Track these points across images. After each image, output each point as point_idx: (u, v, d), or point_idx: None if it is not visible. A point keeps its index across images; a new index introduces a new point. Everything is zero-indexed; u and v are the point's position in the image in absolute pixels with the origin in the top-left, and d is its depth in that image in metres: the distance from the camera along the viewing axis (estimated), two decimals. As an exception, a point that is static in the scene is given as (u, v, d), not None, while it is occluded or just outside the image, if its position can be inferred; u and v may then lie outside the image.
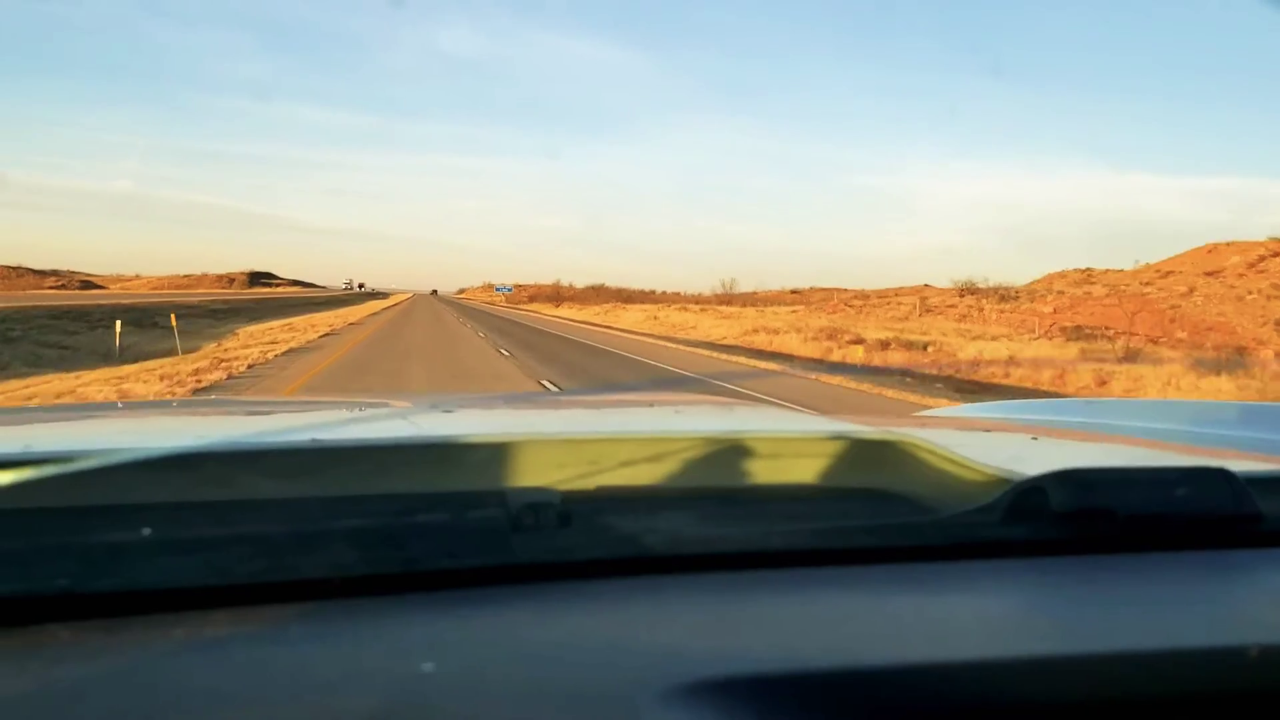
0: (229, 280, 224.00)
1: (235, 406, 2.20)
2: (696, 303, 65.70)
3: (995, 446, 1.30)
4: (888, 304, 55.93)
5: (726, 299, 69.85)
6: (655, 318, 46.68)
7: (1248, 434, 1.44)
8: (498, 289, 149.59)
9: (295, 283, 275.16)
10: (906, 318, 45.19)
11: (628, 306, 61.65)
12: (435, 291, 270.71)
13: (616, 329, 38.51)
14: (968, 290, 60.69)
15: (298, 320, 36.06)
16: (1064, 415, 1.89)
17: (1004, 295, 57.71)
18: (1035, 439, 1.39)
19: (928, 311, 49.38)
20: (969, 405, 2.48)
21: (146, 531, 0.67)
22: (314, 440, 0.87)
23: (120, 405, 3.68)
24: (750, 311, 48.82)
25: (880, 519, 0.83)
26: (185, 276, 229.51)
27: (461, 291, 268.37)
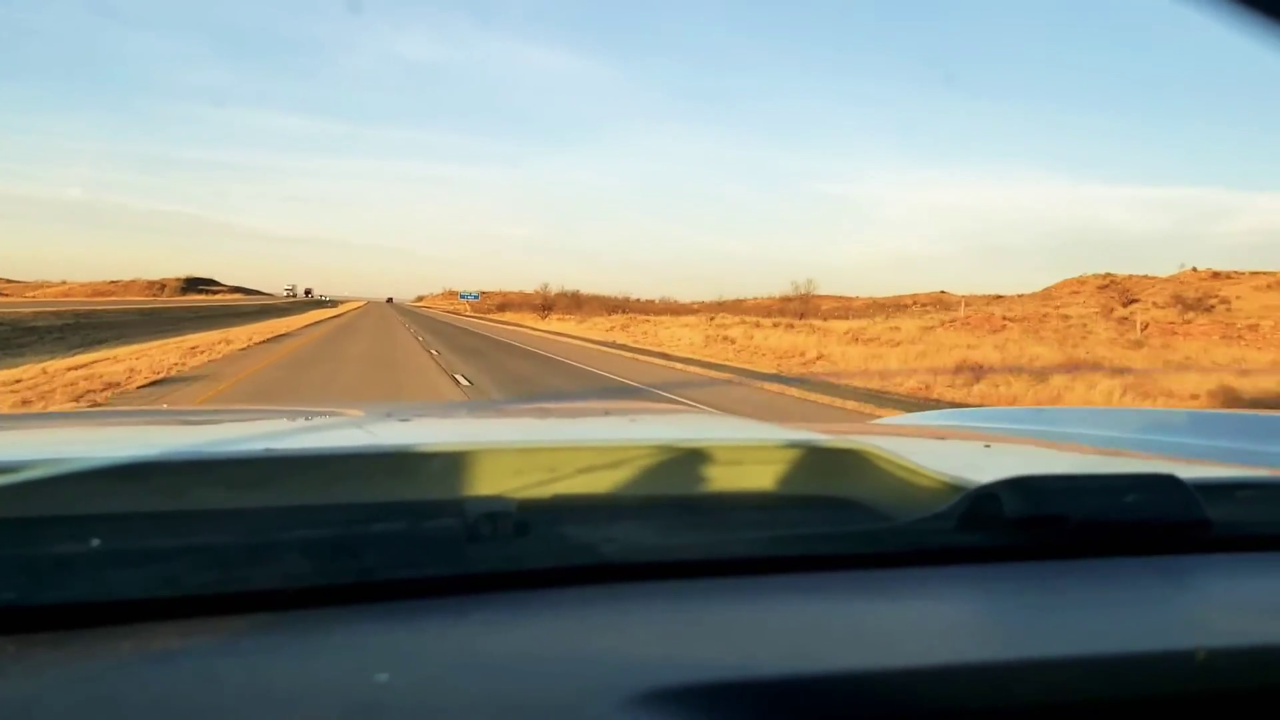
0: (159, 287, 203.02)
1: (186, 415, 2.11)
2: (763, 312, 48.37)
3: (950, 454, 1.31)
4: (1056, 318, 39.31)
5: (801, 307, 51.94)
6: (726, 338, 29.31)
7: (1197, 441, 1.48)
8: (463, 296, 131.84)
9: (237, 289, 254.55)
10: (1140, 343, 28.65)
11: (656, 320, 44.06)
12: (391, 300, 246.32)
13: (682, 358, 21.93)
14: (1129, 299, 45.25)
15: (156, 347, 19.16)
16: (1017, 423, 1.89)
17: (1189, 304, 42.02)
18: (989, 446, 1.38)
19: (1145, 328, 33.46)
20: (923, 413, 2.35)
21: (95, 543, 0.65)
22: (267, 449, 0.86)
23: (66, 413, 3.72)
24: (878, 327, 31.79)
25: (838, 526, 0.84)
26: (111, 283, 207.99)
27: (420, 299, 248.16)
